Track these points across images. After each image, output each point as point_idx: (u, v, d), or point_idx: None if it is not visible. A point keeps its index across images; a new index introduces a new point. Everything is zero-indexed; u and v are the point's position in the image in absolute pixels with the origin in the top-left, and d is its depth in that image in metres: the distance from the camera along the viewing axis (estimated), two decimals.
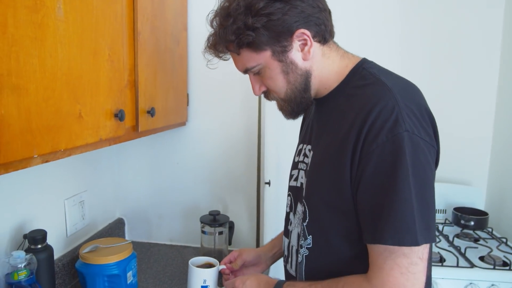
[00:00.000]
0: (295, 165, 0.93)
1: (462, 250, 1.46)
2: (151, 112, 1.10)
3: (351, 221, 0.74)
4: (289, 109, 0.85)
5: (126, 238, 1.66)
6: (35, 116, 0.64)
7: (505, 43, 1.68)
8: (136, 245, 1.60)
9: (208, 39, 0.82)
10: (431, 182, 0.71)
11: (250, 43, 0.76)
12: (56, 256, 1.21)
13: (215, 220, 1.37)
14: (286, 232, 0.94)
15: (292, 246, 0.90)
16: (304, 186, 0.85)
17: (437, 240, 1.56)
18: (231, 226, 1.45)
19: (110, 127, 0.89)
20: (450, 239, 1.57)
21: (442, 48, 1.71)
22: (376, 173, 0.69)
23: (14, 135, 0.60)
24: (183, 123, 1.52)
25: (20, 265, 0.89)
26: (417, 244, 0.66)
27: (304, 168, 0.87)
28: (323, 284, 0.77)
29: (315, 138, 0.86)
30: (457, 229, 1.68)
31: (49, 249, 1.03)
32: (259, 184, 1.54)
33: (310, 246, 0.82)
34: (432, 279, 1.29)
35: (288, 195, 0.95)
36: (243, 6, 0.74)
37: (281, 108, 0.87)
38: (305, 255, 0.84)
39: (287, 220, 0.94)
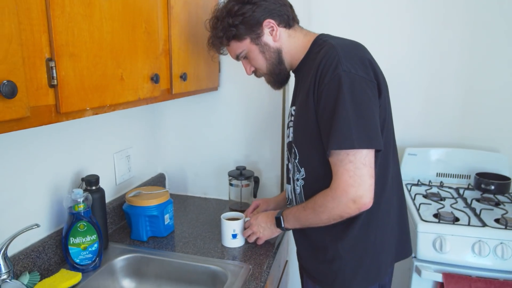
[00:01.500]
0: (287, 126, 1.17)
1: (477, 212, 1.52)
2: (183, 77, 1.27)
3: (323, 147, 0.97)
4: (273, 80, 1.15)
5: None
6: (87, 77, 0.82)
7: None
8: (174, 197, 1.82)
9: (208, 41, 1.17)
10: (370, 105, 0.93)
11: (234, 35, 1.09)
12: (107, 200, 1.44)
13: (241, 174, 1.54)
14: (288, 180, 1.19)
15: (291, 188, 1.16)
16: (291, 136, 1.10)
17: (454, 201, 1.63)
18: (256, 181, 1.61)
19: (147, 88, 1.07)
20: (469, 201, 1.63)
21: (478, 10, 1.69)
22: (325, 104, 0.94)
23: (72, 92, 0.78)
24: (215, 88, 1.68)
25: (79, 200, 1.11)
26: (353, 147, 0.89)
27: (291, 125, 1.12)
28: (305, 202, 1.05)
29: (296, 98, 1.10)
30: (477, 194, 1.73)
31: (101, 191, 1.25)
32: (283, 144, 1.68)
33: (304, 176, 1.07)
34: (442, 235, 1.39)
35: (286, 151, 1.20)
36: (225, 11, 1.08)
37: (268, 81, 1.17)
38: (302, 185, 1.08)
39: (287, 170, 1.19)
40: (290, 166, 1.17)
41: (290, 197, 1.20)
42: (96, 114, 0.89)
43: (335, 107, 0.91)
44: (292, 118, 1.12)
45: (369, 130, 0.92)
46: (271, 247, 1.31)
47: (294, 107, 1.11)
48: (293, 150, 1.10)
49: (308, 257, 1.11)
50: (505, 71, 1.71)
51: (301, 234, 1.10)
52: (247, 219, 1.31)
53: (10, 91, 0.62)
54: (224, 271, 1.16)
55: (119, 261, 1.24)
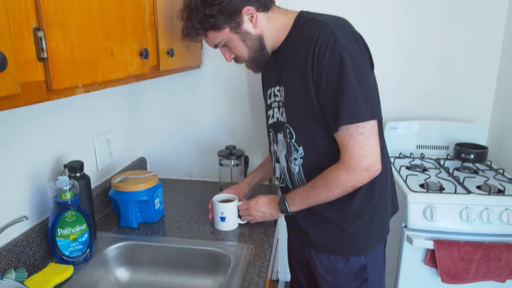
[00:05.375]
0: (268, 107, 1.16)
1: (461, 180, 1.57)
2: (170, 53, 1.18)
3: (325, 123, 0.98)
4: (254, 66, 1.11)
5: None
6: (77, 49, 0.73)
7: None
8: None
9: (182, 30, 1.08)
10: (369, 78, 0.96)
11: (212, 26, 1.02)
12: None
13: (231, 153, 1.49)
14: (277, 159, 1.19)
15: (283, 167, 1.16)
16: (283, 116, 1.08)
17: (438, 171, 1.67)
18: (246, 160, 1.57)
19: (137, 64, 0.98)
20: (451, 171, 1.68)
21: None
22: (328, 81, 0.93)
23: (63, 66, 0.69)
24: (197, 66, 1.60)
25: (65, 188, 1.02)
26: (363, 119, 0.91)
27: (277, 105, 1.11)
28: (312, 181, 1.04)
29: (282, 78, 1.07)
30: (457, 163, 1.78)
31: (86, 178, 1.17)
32: None
33: (303, 154, 1.06)
34: (431, 204, 1.43)
35: (269, 132, 1.20)
36: (199, 1, 1.00)
37: (249, 66, 1.13)
38: (301, 164, 1.08)
39: (274, 152, 1.20)
40: (278, 146, 1.16)
41: (282, 176, 1.18)
42: (88, 91, 0.80)
43: (340, 83, 0.92)
44: (278, 99, 1.09)
45: (373, 102, 0.96)
46: (270, 225, 1.28)
47: (279, 87, 1.09)
48: (287, 131, 1.07)
49: (317, 230, 1.10)
50: (478, 44, 1.76)
51: (305, 211, 1.08)
52: (239, 202, 1.27)
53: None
54: (226, 252, 1.12)
55: (111, 250, 1.17)
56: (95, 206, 1.35)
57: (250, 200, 1.23)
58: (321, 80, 0.94)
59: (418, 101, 1.86)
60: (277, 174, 1.22)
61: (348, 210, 1.05)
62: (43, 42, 0.64)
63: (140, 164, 1.72)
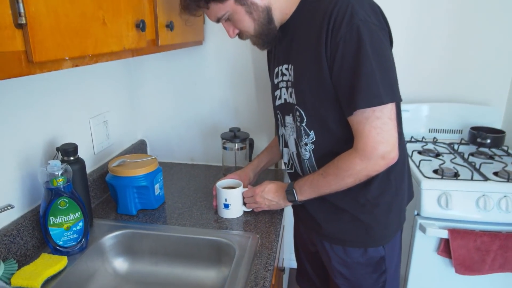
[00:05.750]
0: (275, 87, 1.06)
1: (477, 166, 1.49)
2: (170, 26, 1.09)
3: (339, 105, 0.89)
4: (261, 41, 1.00)
5: None
6: (63, 17, 0.64)
7: None
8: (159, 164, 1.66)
9: (181, 2, 0.97)
10: (388, 55, 0.87)
11: None
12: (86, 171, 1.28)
13: (235, 136, 1.41)
14: (285, 144, 1.10)
15: (292, 152, 1.07)
16: (292, 97, 0.98)
17: (452, 157, 1.58)
18: (251, 143, 1.48)
19: (133, 37, 0.89)
20: (465, 156, 1.59)
21: None
22: (343, 58, 0.84)
23: (46, 34, 0.60)
24: (200, 42, 1.50)
25: (57, 173, 0.94)
26: (382, 103, 0.83)
27: (285, 85, 1.01)
28: (322, 169, 0.96)
29: (291, 55, 0.97)
30: (472, 148, 1.70)
31: (81, 162, 1.09)
32: None
33: (314, 139, 0.97)
34: (447, 192, 1.35)
35: (276, 114, 1.11)
36: None
37: (254, 43, 1.02)
38: (312, 150, 0.99)
39: (282, 135, 1.10)
40: (286, 130, 1.07)
41: (291, 161, 1.10)
42: (77, 65, 0.71)
43: (357, 61, 0.83)
44: (286, 78, 1.00)
45: (392, 83, 0.87)
46: (276, 213, 1.21)
47: (287, 65, 0.99)
48: (296, 113, 0.98)
49: (330, 221, 1.02)
50: (496, 21, 1.65)
51: (316, 199, 1.00)
52: (244, 189, 1.19)
53: None
54: (230, 242, 1.05)
55: (108, 239, 1.10)
56: (92, 192, 1.27)
57: (256, 186, 1.15)
58: (335, 57, 0.85)
59: (431, 82, 1.76)
60: (285, 160, 1.13)
61: (364, 199, 0.97)
62: (21, 5, 0.55)
63: (139, 147, 1.63)
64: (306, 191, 1.00)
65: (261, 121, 1.60)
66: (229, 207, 1.17)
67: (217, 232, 1.11)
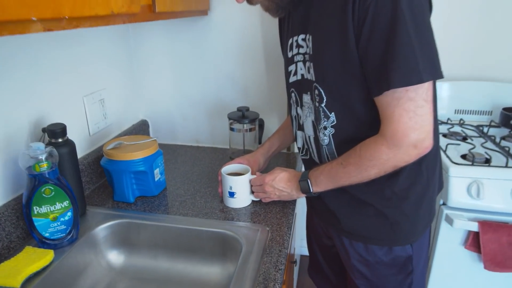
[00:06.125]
0: (289, 61, 0.93)
1: (511, 151, 1.34)
2: None
3: (365, 84, 0.76)
4: (274, 6, 0.87)
5: None
6: None
7: None
8: (161, 147, 1.55)
9: None
10: (429, 22, 0.73)
11: None
12: (80, 154, 1.17)
13: (244, 116, 1.28)
14: (299, 126, 0.97)
15: (308, 137, 0.94)
16: (310, 72, 0.85)
17: (483, 140, 1.44)
18: (261, 124, 1.35)
19: (123, 0, 0.75)
20: (497, 140, 1.44)
21: None
22: (374, 25, 0.70)
23: None
24: (205, 12, 1.36)
25: (40, 157, 0.83)
26: (422, 81, 0.68)
27: (301, 59, 0.88)
28: (342, 157, 0.83)
29: (309, 23, 0.83)
30: (504, 131, 1.54)
31: (70, 144, 0.97)
32: None
33: (335, 122, 0.84)
34: (478, 180, 1.21)
35: (290, 92, 0.97)
36: None
37: (267, 8, 0.89)
38: (331, 134, 0.86)
39: (297, 115, 0.97)
40: (302, 111, 0.93)
41: (306, 146, 0.97)
42: (50, 29, 0.58)
43: (392, 29, 0.68)
44: (303, 50, 0.86)
45: (434, 57, 0.71)
46: (289, 202, 1.09)
47: (304, 35, 0.85)
48: (315, 92, 0.85)
49: (351, 215, 0.90)
50: None
51: (334, 190, 0.87)
52: (251, 176, 1.06)
53: None
54: (236, 236, 0.94)
55: (102, 229, 0.99)
56: (87, 177, 1.16)
57: (266, 174, 1.02)
58: (364, 25, 0.70)
59: (456, 58, 1.60)
60: (299, 144, 1.00)
61: (390, 191, 0.84)
62: None
63: (141, 128, 1.52)
64: (322, 181, 0.87)
65: (273, 99, 1.46)
66: (235, 196, 1.06)
67: (222, 223, 0.99)
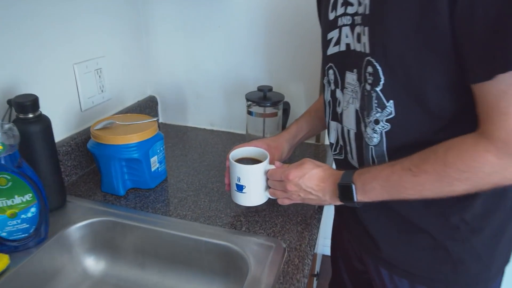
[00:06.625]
0: (330, 25, 0.68)
1: None
2: None
3: (452, 64, 0.52)
4: None
5: (160, 120, 1.41)
6: None
7: None
8: (170, 128, 1.36)
9: None
10: None
11: None
12: (68, 133, 0.99)
13: (265, 98, 1.05)
14: (334, 115, 0.74)
15: (348, 131, 0.70)
16: (362, 41, 0.60)
17: None
18: (286, 108, 1.11)
19: None
20: None
21: None
22: None
23: None
24: None
25: None
26: None
27: (349, 22, 0.64)
28: (409, 160, 0.58)
29: None
30: None
31: (44, 121, 0.78)
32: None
33: (393, 115, 0.60)
34: None
35: (328, 68, 0.72)
36: None
37: None
38: (386, 131, 0.62)
39: (334, 100, 0.73)
40: (343, 95, 0.69)
41: (341, 143, 0.74)
42: None
43: None
44: (353, 9, 0.62)
45: None
46: (314, 209, 0.86)
47: None
48: (367, 69, 0.60)
49: (396, 242, 0.67)
50: None
51: (377, 207, 0.63)
52: (271, 166, 0.78)
53: None
54: (243, 253, 0.72)
55: (79, 228, 0.80)
56: (75, 160, 0.98)
57: (291, 166, 0.74)
58: None
59: None
60: (332, 139, 0.76)
61: (459, 219, 0.60)
62: None
63: (148, 105, 1.32)
64: (374, 190, 0.62)
65: (302, 80, 1.21)
66: (244, 190, 0.78)
67: (226, 233, 0.78)
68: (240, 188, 0.79)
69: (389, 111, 0.59)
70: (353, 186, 0.63)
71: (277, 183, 0.75)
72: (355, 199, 0.64)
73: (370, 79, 0.60)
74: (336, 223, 0.94)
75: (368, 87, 0.61)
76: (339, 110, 0.71)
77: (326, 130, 0.79)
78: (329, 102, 0.75)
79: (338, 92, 0.71)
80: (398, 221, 0.64)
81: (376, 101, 0.60)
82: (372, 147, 0.64)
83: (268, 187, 0.79)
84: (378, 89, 0.59)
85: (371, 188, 0.62)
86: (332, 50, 0.69)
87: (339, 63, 0.69)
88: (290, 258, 0.71)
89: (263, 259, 0.70)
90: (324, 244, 1.78)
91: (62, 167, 0.93)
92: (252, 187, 0.78)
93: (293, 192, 0.73)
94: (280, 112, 1.09)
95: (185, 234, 0.77)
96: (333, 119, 0.74)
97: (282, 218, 0.83)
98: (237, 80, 1.27)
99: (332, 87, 0.72)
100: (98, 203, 0.88)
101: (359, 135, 0.66)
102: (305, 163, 0.72)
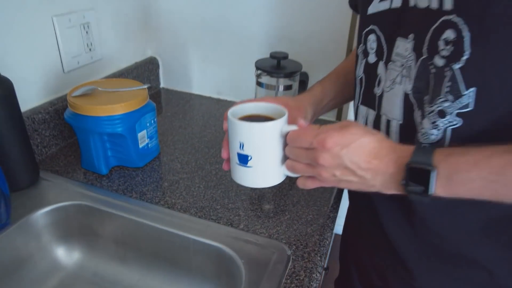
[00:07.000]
0: None
1: None
2: None
3: None
4: None
5: (162, 85, 1.26)
6: None
7: None
8: (172, 94, 1.21)
9: None
10: None
11: None
12: (47, 98, 0.86)
13: (279, 66, 0.88)
14: (364, 97, 0.56)
15: (389, 122, 0.51)
16: None
17: None
18: (304, 81, 0.94)
19: None
20: None
21: None
22: None
23: None
24: None
25: None
26: None
27: None
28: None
29: None
30: None
31: (4, 84, 0.64)
32: (354, 16, 0.97)
33: (470, 109, 0.42)
34: None
35: (368, 31, 0.53)
36: None
37: None
38: (453, 128, 0.44)
39: (370, 77, 0.54)
40: (389, 71, 0.50)
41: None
42: None
43: None
44: None
45: None
46: (328, 199, 0.72)
47: None
48: (442, 36, 0.42)
49: (436, 271, 0.52)
50: None
51: (409, 224, 0.48)
52: (291, 127, 0.48)
53: None
54: (237, 258, 0.59)
55: (48, 213, 0.68)
56: (54, 130, 0.85)
57: (328, 127, 0.46)
58: None
59: None
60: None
61: None
62: None
63: (147, 69, 1.17)
64: (472, 182, 0.39)
65: (325, 45, 1.03)
66: (249, 162, 0.50)
67: (220, 229, 0.65)
68: (243, 159, 0.50)
69: (465, 102, 0.42)
70: (433, 173, 0.40)
71: (303, 151, 0.47)
72: (431, 191, 0.41)
73: (446, 50, 0.42)
74: (351, 225, 0.77)
75: (440, 61, 0.42)
76: (377, 91, 0.52)
77: (353, 113, 0.62)
78: (360, 79, 0.57)
79: (381, 67, 0.52)
80: (441, 249, 0.49)
81: (449, 84, 0.42)
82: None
83: (285, 159, 0.51)
84: (457, 66, 0.41)
85: (468, 179, 0.40)
86: (377, 6, 0.51)
87: (387, 25, 0.50)
88: (295, 270, 0.58)
89: (261, 268, 0.57)
90: (337, 223, 1.66)
91: (39, 137, 0.81)
92: (262, 157, 0.50)
93: (327, 168, 0.45)
94: (296, 85, 0.92)
95: (170, 229, 0.64)
96: (363, 103, 0.56)
97: (290, 214, 0.69)
98: (249, 43, 1.10)
99: (372, 59, 0.53)
100: (76, 183, 0.75)
101: (408, 128, 0.48)
102: (351, 126, 0.45)
